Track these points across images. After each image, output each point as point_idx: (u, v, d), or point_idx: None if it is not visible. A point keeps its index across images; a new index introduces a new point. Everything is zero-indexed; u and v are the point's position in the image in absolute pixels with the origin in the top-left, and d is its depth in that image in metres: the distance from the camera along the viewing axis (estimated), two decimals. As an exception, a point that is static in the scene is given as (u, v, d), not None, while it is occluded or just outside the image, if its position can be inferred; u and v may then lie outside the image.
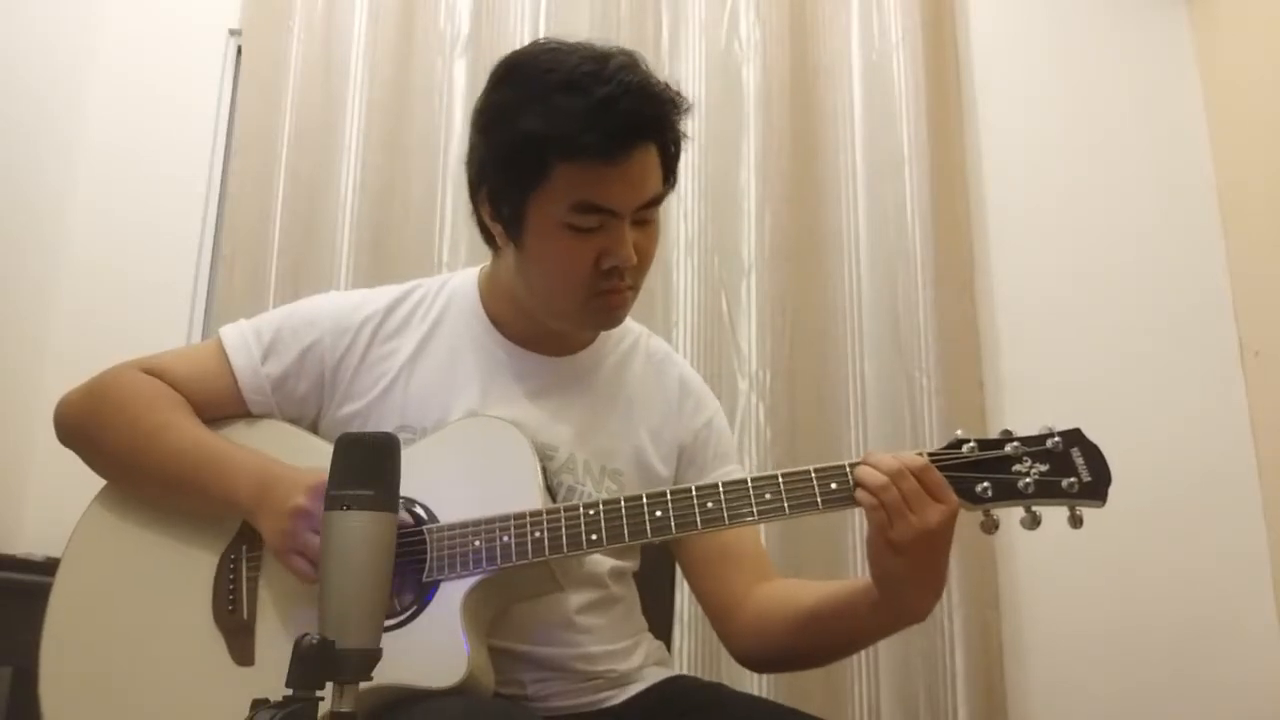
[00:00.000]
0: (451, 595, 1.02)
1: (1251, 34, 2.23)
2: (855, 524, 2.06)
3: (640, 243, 1.11)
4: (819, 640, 1.17)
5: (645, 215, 1.11)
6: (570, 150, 1.04)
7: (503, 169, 1.11)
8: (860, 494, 1.00)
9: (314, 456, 1.09)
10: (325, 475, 1.00)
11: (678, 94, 1.12)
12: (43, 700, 1.06)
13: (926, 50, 2.27)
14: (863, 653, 1.99)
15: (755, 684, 1.95)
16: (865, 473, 1.00)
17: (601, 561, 1.17)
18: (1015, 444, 1.01)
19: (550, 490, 1.09)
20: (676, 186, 2.26)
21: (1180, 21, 2.39)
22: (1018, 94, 2.36)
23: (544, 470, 1.09)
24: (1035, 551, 2.08)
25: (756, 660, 1.23)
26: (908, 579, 1.05)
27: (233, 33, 2.43)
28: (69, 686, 1.06)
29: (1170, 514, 2.08)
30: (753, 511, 1.01)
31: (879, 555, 1.04)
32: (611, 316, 1.17)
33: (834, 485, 1.02)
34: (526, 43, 1.17)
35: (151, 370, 1.18)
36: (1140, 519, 2.03)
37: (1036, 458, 1.01)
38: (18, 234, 2.15)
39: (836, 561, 2.03)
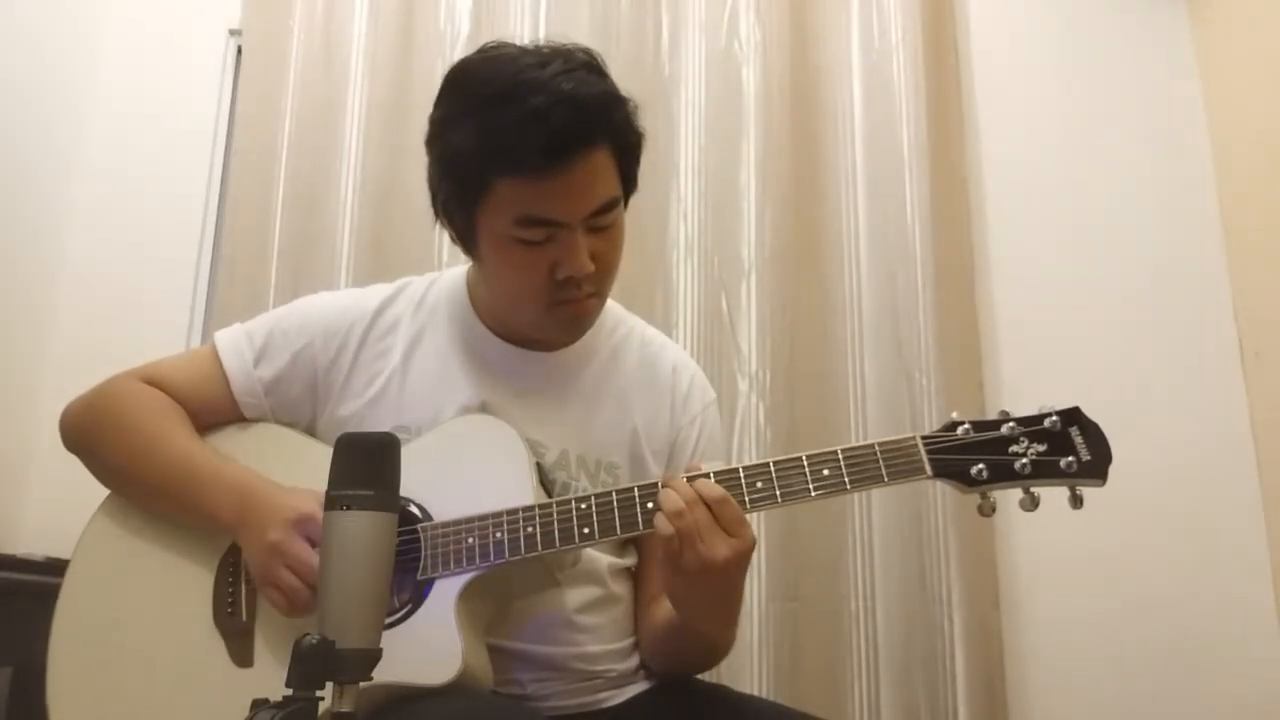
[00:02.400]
0: (446, 593, 1.02)
1: (1251, 34, 2.23)
2: (855, 523, 2.06)
3: (599, 249, 1.09)
4: (671, 654, 1.18)
5: (600, 221, 1.08)
6: (505, 166, 1.03)
7: (447, 183, 1.11)
8: (659, 519, 0.98)
9: (311, 460, 1.10)
10: (305, 506, 1.02)
11: (618, 95, 1.09)
12: (50, 705, 1.06)
13: (926, 50, 2.27)
14: (863, 653, 1.99)
15: (754, 685, 1.95)
16: (666, 497, 0.98)
17: (599, 558, 1.17)
18: (1011, 424, 1.00)
19: (546, 486, 1.09)
20: (677, 187, 2.29)
21: (1180, 21, 2.39)
22: (1018, 94, 2.35)
23: (539, 466, 1.10)
24: (1036, 552, 2.07)
25: (646, 661, 1.22)
26: (696, 606, 1.05)
27: (233, 33, 2.42)
28: (75, 691, 1.07)
29: (1170, 514, 2.08)
30: (745, 500, 1.00)
31: (666, 578, 1.04)
32: (576, 325, 1.17)
33: (826, 472, 1.00)
34: (526, 43, 1.14)
35: (150, 379, 1.18)
36: (1140, 519, 2.03)
37: (1034, 438, 0.99)
38: (17, 234, 2.15)
39: (836, 559, 2.03)
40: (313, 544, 1.01)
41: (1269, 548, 2.07)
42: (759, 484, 1.00)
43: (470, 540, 1.03)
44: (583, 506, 1.02)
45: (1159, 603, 2.04)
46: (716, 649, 1.15)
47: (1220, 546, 2.08)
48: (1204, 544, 2.07)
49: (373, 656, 0.76)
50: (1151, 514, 2.05)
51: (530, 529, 1.02)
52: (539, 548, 1.02)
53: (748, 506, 1.00)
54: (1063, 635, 2.05)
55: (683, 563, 0.97)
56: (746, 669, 1.96)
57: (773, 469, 1.01)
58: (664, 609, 1.13)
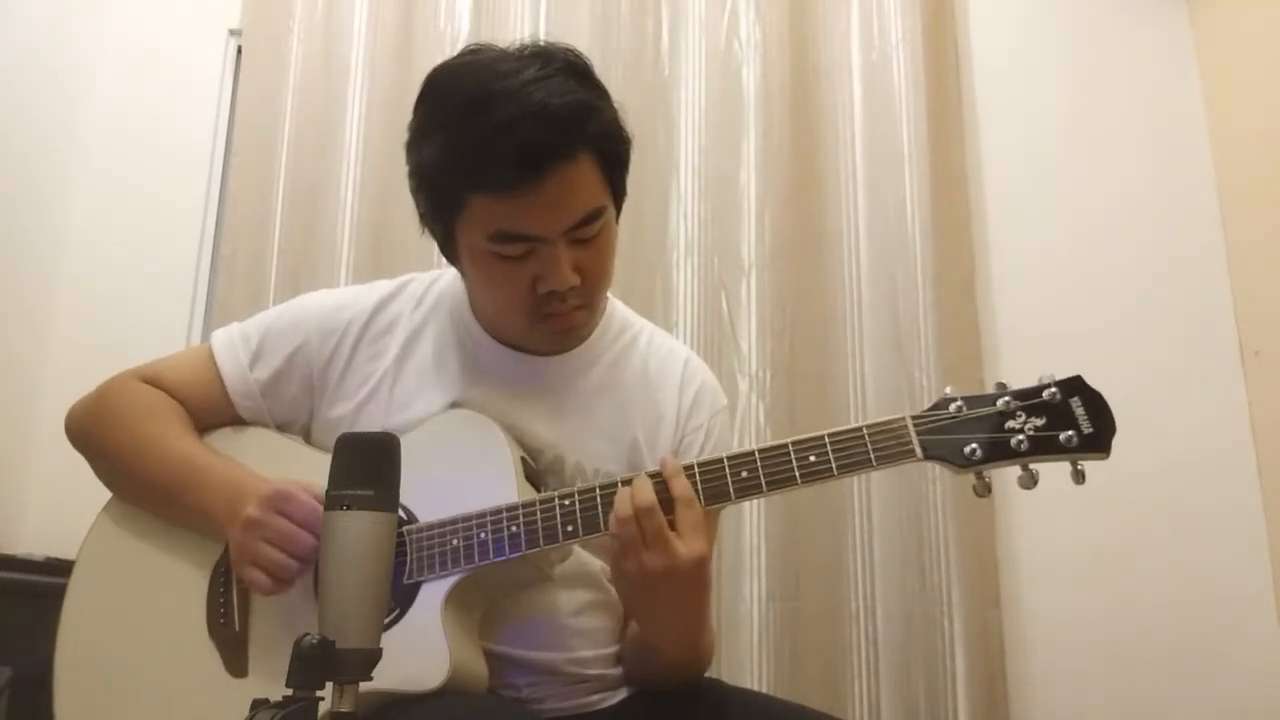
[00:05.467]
0: (433, 596, 1.01)
1: (1251, 34, 2.23)
2: (855, 523, 2.06)
3: (585, 260, 1.05)
4: (635, 666, 1.17)
5: (583, 233, 1.03)
6: (476, 182, 1.00)
7: (423, 196, 1.09)
8: (612, 519, 0.96)
9: (305, 464, 1.09)
10: (285, 485, 1.01)
11: (597, 101, 1.02)
12: (56, 717, 1.06)
13: (926, 50, 2.27)
14: (863, 653, 1.99)
15: (754, 685, 1.95)
16: (619, 499, 0.96)
17: (592, 561, 1.15)
18: (1007, 399, 0.96)
19: (534, 482, 1.07)
20: (677, 187, 2.28)
21: (1180, 21, 2.39)
22: (1018, 94, 2.35)
23: (525, 462, 1.08)
24: (1036, 551, 2.08)
25: (625, 670, 1.20)
26: (645, 614, 1.03)
27: (233, 33, 2.43)
28: (78, 705, 1.06)
29: (1171, 514, 2.08)
30: (730, 493, 0.98)
31: (615, 581, 1.03)
32: (563, 338, 1.14)
33: (813, 458, 0.97)
34: (510, 43, 1.09)
35: (149, 379, 1.17)
36: (1141, 518, 2.03)
37: (1032, 411, 0.95)
38: (18, 234, 2.15)
39: (836, 559, 2.03)
40: (288, 519, 1.00)
41: (1269, 548, 2.07)
42: (744, 473, 0.98)
43: (455, 541, 1.01)
44: (566, 503, 1.00)
45: (1159, 602, 2.04)
46: (673, 668, 1.10)
47: (1220, 546, 2.08)
48: (1204, 544, 2.07)
49: (373, 656, 0.76)
50: (1152, 513, 2.05)
51: (514, 528, 1.00)
52: (524, 547, 1.00)
53: (732, 497, 0.98)
54: (1063, 634, 2.05)
55: (626, 566, 0.96)
56: (746, 669, 1.96)
57: (758, 457, 0.98)
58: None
